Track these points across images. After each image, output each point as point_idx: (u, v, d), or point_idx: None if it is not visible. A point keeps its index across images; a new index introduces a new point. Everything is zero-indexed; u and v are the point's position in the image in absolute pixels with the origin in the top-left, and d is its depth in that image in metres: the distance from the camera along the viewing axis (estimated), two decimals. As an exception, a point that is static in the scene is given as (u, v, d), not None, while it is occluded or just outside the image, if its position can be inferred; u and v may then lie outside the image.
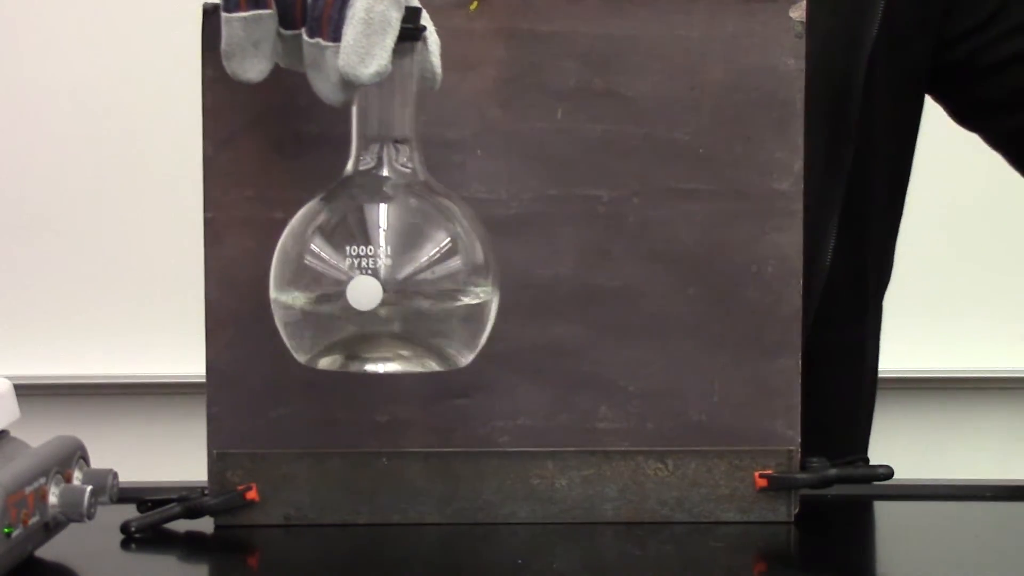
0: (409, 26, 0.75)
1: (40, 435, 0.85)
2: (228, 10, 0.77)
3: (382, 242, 0.74)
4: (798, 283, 0.90)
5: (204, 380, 0.90)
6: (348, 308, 0.73)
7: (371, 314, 0.73)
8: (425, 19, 0.78)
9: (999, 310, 2.14)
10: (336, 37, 0.75)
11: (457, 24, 0.88)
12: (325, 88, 0.77)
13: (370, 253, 0.74)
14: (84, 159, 2.03)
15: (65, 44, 2.03)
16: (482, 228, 0.77)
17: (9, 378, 0.86)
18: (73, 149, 2.03)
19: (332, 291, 0.74)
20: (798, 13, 0.89)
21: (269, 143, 0.89)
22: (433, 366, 0.76)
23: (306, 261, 0.75)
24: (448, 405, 0.90)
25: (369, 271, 0.73)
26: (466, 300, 0.75)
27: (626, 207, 0.89)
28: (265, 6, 0.77)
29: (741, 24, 0.88)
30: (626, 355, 0.89)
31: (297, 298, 0.76)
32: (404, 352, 0.76)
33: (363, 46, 0.74)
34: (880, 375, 1.22)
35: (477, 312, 0.76)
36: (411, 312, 0.74)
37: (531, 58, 0.89)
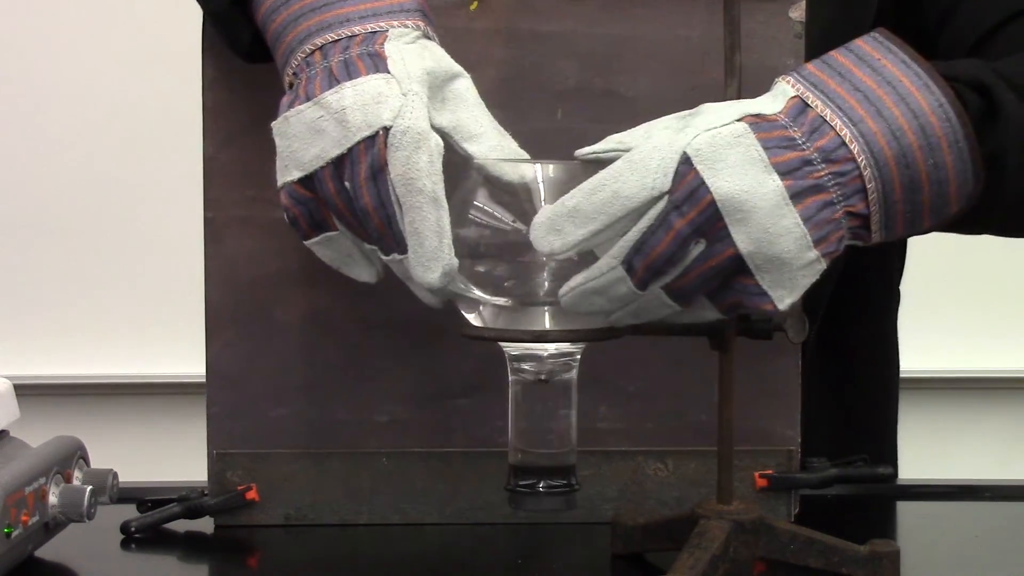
0: None
1: (40, 435, 0.85)
2: (303, 239, 0.79)
3: None
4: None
5: (204, 380, 0.90)
6: None
7: None
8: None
9: (999, 310, 2.14)
10: (404, 250, 0.74)
11: (457, 24, 0.88)
12: (419, 293, 0.77)
13: None
14: (84, 159, 2.03)
15: (65, 44, 2.03)
16: None
17: (9, 378, 0.86)
18: (73, 149, 2.03)
19: None
20: (798, 13, 0.89)
21: (269, 143, 0.88)
22: None
23: None
24: (448, 405, 0.90)
25: None
26: None
27: (626, 207, 0.89)
28: (329, 228, 0.77)
29: (741, 24, 0.88)
30: (626, 355, 0.89)
31: None
32: None
33: (420, 255, 0.73)
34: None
35: None
36: None
37: (531, 58, 0.89)
